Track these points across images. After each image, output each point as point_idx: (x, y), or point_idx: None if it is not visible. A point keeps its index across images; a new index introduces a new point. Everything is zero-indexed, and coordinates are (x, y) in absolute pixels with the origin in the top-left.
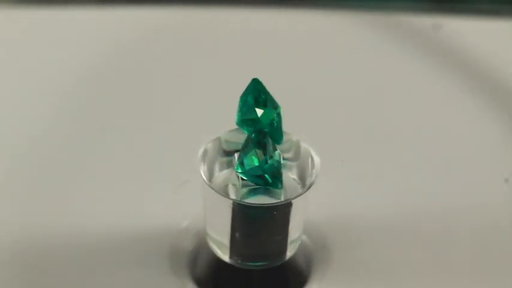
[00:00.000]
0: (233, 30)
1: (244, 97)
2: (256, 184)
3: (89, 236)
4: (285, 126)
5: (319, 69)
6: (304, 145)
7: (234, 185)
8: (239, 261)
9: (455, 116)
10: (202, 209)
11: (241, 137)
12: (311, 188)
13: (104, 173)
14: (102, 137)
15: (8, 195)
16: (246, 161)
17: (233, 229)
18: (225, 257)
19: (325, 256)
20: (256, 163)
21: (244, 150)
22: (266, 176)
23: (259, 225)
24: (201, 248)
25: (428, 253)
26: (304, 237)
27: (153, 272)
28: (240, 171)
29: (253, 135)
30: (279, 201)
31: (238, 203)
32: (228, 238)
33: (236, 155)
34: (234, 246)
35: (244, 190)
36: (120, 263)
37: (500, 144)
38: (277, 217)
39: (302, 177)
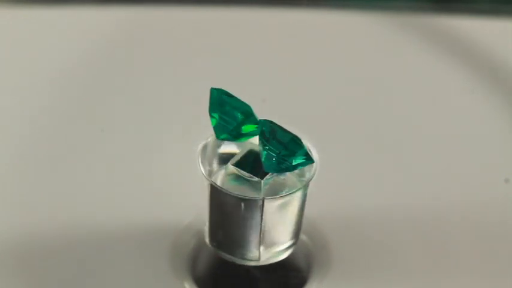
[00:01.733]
0: (233, 29)
1: (219, 111)
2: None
3: (88, 235)
4: (288, 125)
5: (319, 68)
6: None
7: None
8: (269, 259)
9: (455, 116)
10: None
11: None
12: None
13: (104, 172)
14: (102, 135)
15: (7, 192)
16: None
17: (263, 227)
18: (255, 261)
19: (325, 256)
20: (285, 151)
21: (265, 147)
22: (300, 157)
23: (286, 212)
24: (201, 247)
25: (428, 253)
26: (304, 237)
27: (153, 271)
28: (272, 162)
29: (264, 128)
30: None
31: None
32: (257, 239)
33: (229, 165)
34: (264, 244)
35: (266, 183)
36: (121, 262)
37: (500, 144)
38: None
39: (301, 173)
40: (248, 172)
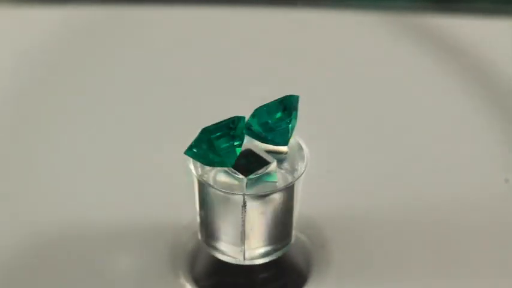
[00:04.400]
0: (233, 29)
1: (218, 151)
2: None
3: (87, 235)
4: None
5: (319, 68)
6: (292, 139)
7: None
8: (253, 259)
9: (455, 116)
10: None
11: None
12: (302, 184)
13: (103, 172)
14: (102, 135)
15: (6, 192)
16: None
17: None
18: (239, 258)
19: (324, 256)
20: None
21: (284, 122)
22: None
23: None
24: (201, 247)
25: (427, 252)
26: (303, 237)
27: (152, 271)
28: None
29: (260, 117)
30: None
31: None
32: (291, 222)
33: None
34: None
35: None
36: (120, 262)
37: (500, 144)
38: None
39: (293, 169)
40: (257, 169)
